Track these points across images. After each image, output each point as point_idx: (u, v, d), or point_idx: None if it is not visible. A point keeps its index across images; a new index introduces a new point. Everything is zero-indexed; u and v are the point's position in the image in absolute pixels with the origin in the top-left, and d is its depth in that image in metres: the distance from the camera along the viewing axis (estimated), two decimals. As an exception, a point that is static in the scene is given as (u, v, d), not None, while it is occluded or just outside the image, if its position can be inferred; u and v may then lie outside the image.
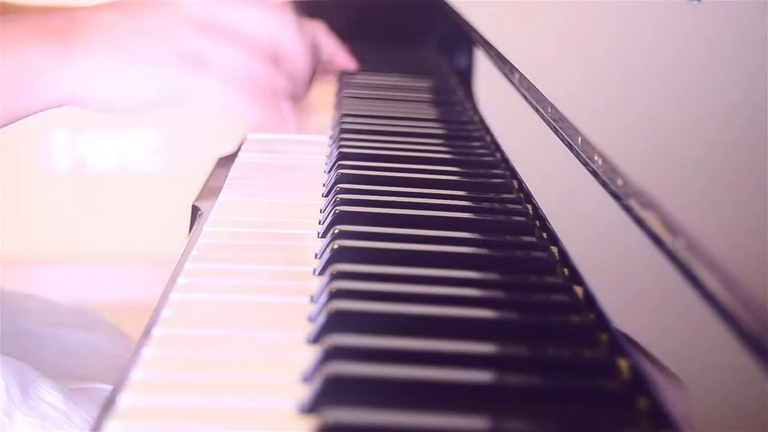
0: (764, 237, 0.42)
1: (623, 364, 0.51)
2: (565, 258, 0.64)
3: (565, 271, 0.64)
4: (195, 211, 0.77)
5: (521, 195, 0.78)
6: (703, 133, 0.53)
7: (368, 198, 0.74)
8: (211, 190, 0.80)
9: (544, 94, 0.77)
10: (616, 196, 0.59)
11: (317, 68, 1.05)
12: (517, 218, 0.73)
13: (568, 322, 0.57)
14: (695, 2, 0.58)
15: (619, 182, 0.58)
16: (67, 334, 0.91)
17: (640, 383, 0.49)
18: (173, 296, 0.60)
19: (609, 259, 0.61)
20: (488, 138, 0.96)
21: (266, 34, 0.85)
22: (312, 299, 0.60)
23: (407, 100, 1.14)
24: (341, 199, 0.73)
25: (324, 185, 0.79)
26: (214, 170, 0.87)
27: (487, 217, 0.73)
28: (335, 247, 0.64)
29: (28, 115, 0.80)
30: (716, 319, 0.44)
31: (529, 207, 0.75)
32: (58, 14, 0.82)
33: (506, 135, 0.93)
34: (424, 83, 1.26)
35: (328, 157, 0.90)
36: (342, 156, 0.86)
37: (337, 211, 0.71)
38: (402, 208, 0.73)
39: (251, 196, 0.79)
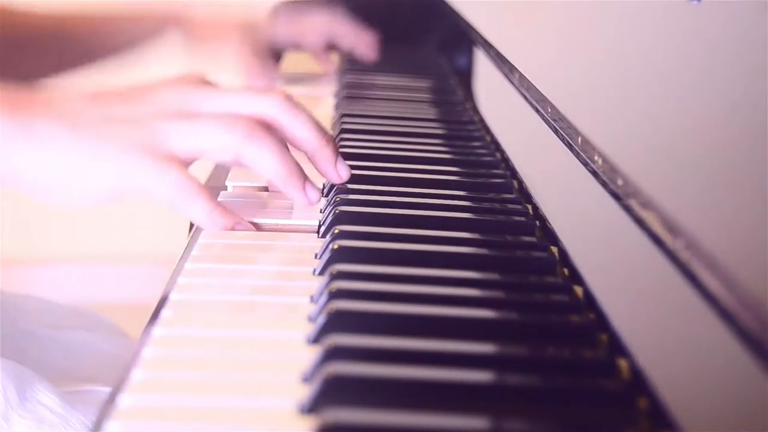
0: (764, 237, 0.42)
1: (623, 364, 0.51)
2: (565, 258, 0.64)
3: (565, 271, 0.64)
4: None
5: (521, 195, 0.78)
6: (703, 133, 0.53)
7: (368, 198, 0.74)
8: (211, 190, 0.80)
9: (544, 94, 0.77)
10: (616, 196, 0.59)
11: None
12: (517, 218, 0.73)
13: (568, 322, 0.57)
14: (695, 2, 0.58)
15: (619, 182, 0.58)
16: (67, 335, 0.91)
17: (640, 383, 0.49)
18: (173, 296, 0.60)
19: (609, 259, 0.61)
20: (488, 138, 0.96)
21: (255, 114, 0.72)
22: (312, 299, 0.60)
23: (407, 100, 1.14)
24: (341, 199, 0.73)
25: (324, 186, 0.79)
26: (213, 170, 0.87)
27: (487, 217, 0.73)
28: (335, 247, 0.64)
29: None
30: (716, 319, 0.44)
31: (529, 207, 0.75)
32: (18, 88, 0.73)
33: (506, 135, 0.93)
34: (424, 83, 1.26)
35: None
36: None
37: (337, 211, 0.71)
38: (402, 208, 0.73)
39: (251, 196, 0.79)
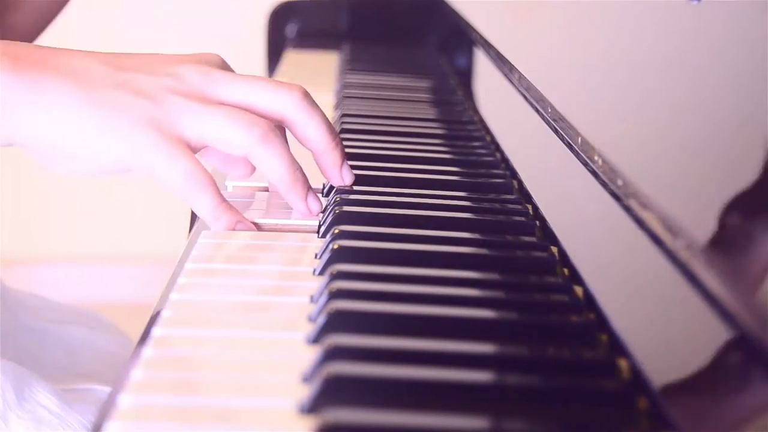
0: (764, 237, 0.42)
1: (623, 364, 0.51)
2: (565, 258, 0.64)
3: (565, 271, 0.64)
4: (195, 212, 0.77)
5: (521, 195, 0.78)
6: (703, 133, 0.53)
7: (368, 198, 0.74)
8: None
9: (544, 94, 0.77)
10: (616, 196, 0.59)
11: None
12: (517, 218, 0.73)
13: (568, 322, 0.57)
14: (695, 2, 0.58)
15: (619, 182, 0.58)
16: (68, 331, 0.91)
17: (640, 383, 0.49)
18: (173, 296, 0.60)
19: (609, 259, 0.61)
20: (488, 138, 0.96)
21: (270, 107, 0.70)
22: (312, 299, 0.60)
23: (407, 100, 1.14)
24: (341, 199, 0.73)
25: (324, 185, 0.79)
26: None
27: (487, 217, 0.73)
28: (335, 247, 0.64)
29: None
30: (716, 319, 0.44)
31: (529, 207, 0.75)
32: (24, 45, 0.70)
33: (506, 135, 0.93)
34: (424, 83, 1.26)
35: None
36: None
37: (337, 211, 0.71)
38: (402, 208, 0.73)
39: (251, 196, 0.79)
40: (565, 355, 0.53)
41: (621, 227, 0.57)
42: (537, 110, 0.80)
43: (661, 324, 0.52)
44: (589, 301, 0.59)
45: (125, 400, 0.48)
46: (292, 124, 0.72)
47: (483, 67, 1.12)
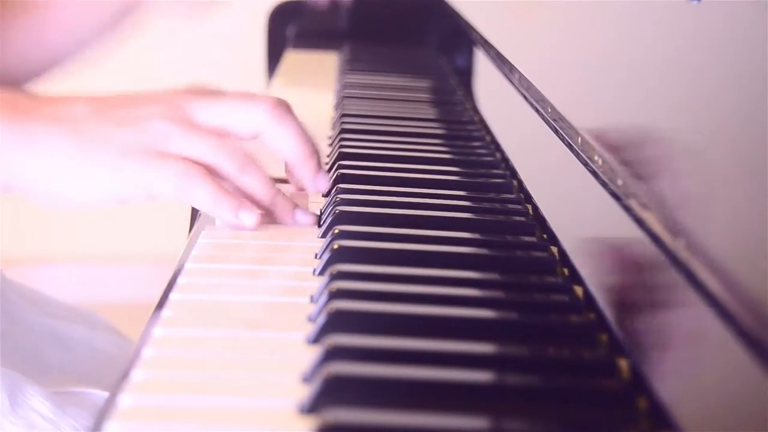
0: (764, 237, 0.42)
1: (623, 364, 0.51)
2: (565, 258, 0.64)
3: (565, 271, 0.64)
4: (195, 211, 0.77)
5: (521, 195, 0.78)
6: (702, 133, 0.53)
7: (368, 198, 0.74)
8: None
9: (544, 94, 0.77)
10: (616, 196, 0.59)
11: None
12: (517, 218, 0.73)
13: (568, 322, 0.57)
14: (695, 2, 0.58)
15: (619, 182, 0.58)
16: (67, 327, 0.91)
17: (640, 383, 0.49)
18: (173, 296, 0.60)
19: (609, 259, 0.61)
20: (488, 138, 0.96)
21: (243, 125, 0.72)
22: (312, 299, 0.60)
23: (407, 100, 1.14)
24: (341, 199, 0.73)
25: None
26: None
27: (487, 217, 0.73)
28: (335, 247, 0.64)
29: None
30: (716, 319, 0.44)
31: (529, 207, 0.75)
32: (16, 91, 0.73)
33: (506, 135, 0.93)
34: (424, 83, 1.26)
35: (328, 156, 0.90)
36: (342, 156, 0.86)
37: (337, 211, 0.71)
38: (402, 208, 0.73)
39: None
40: (565, 355, 0.53)
41: (621, 227, 0.57)
42: (537, 110, 0.80)
43: (661, 324, 0.52)
44: (589, 301, 0.59)
45: (125, 400, 0.48)
46: (264, 137, 0.72)
47: (483, 67, 1.12)
